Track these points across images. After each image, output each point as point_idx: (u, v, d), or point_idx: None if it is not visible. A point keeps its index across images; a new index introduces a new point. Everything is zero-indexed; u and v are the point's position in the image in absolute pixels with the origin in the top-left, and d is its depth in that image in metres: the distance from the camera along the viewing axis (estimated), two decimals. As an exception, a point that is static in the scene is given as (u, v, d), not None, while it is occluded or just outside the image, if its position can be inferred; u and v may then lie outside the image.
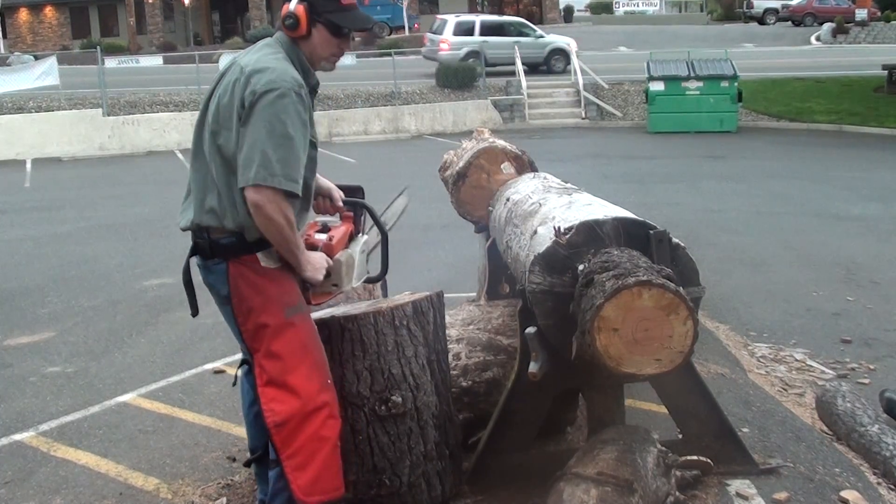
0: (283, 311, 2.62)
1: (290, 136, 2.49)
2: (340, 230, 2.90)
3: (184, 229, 2.72)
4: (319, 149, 2.79)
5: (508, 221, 3.66)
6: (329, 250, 2.80)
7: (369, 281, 3.08)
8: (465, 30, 24.01)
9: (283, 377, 2.60)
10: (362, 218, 3.08)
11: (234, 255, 2.62)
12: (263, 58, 2.61)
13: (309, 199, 2.74)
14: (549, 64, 24.21)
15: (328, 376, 2.68)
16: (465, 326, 3.76)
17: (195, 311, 2.80)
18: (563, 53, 24.16)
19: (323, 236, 2.85)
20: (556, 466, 2.78)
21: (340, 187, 3.06)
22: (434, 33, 24.76)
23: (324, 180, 2.98)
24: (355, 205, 3.04)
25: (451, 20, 24.53)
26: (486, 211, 4.41)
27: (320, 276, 2.69)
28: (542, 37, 24.79)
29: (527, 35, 24.56)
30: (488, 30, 24.14)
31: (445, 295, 3.26)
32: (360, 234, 3.02)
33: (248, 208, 2.52)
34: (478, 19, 25.23)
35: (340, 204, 3.00)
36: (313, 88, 2.71)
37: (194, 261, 2.73)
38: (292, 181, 2.50)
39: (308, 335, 2.68)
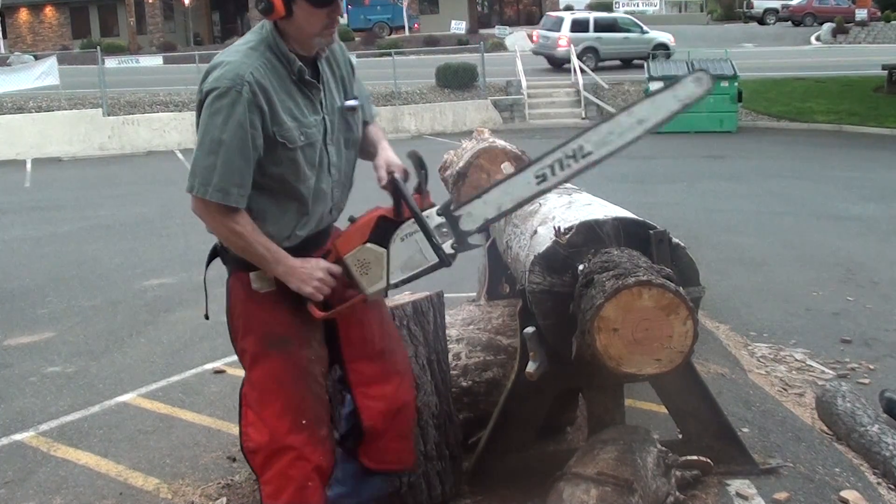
0: (263, 340, 2.49)
1: (220, 141, 2.28)
2: (356, 224, 2.52)
3: None
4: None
5: (508, 221, 3.66)
6: (336, 252, 2.51)
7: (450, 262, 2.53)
8: (581, 27, 25.08)
9: (258, 408, 2.50)
10: (411, 197, 2.54)
11: (234, 266, 2.51)
12: (230, 49, 2.42)
13: (305, 203, 2.48)
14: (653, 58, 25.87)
15: (304, 416, 2.50)
16: (465, 326, 3.76)
17: (207, 315, 2.74)
18: (665, 48, 25.57)
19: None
20: (556, 466, 2.77)
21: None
22: (548, 30, 25.71)
23: (381, 155, 2.62)
24: (392, 183, 2.55)
25: (568, 17, 25.80)
26: (486, 211, 4.41)
27: (308, 289, 2.43)
28: (646, 32, 26.11)
29: (633, 31, 25.87)
30: (601, 26, 25.46)
31: (445, 295, 3.26)
32: (418, 215, 2.49)
33: None
34: (591, 16, 26.56)
35: (384, 184, 2.58)
36: (300, 76, 2.41)
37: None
38: (221, 191, 2.30)
39: (287, 372, 2.49)
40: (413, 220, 2.48)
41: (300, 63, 2.40)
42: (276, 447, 2.47)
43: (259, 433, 2.49)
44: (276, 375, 2.49)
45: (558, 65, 24.11)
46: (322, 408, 2.56)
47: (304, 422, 2.50)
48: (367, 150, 2.69)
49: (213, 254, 2.59)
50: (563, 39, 24.31)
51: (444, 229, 2.53)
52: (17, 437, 4.15)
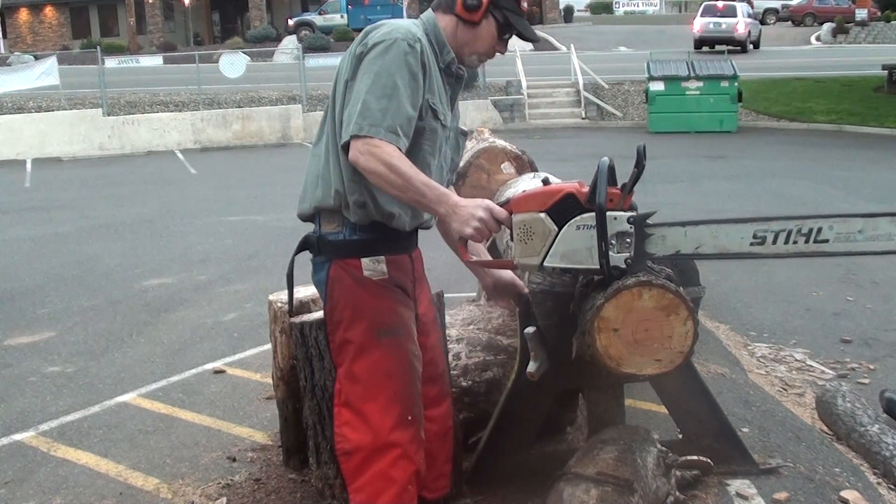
0: (373, 330, 2.36)
1: (395, 85, 2.24)
2: (543, 189, 2.35)
3: (300, 218, 2.51)
4: None
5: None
6: (509, 206, 2.34)
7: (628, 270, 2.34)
8: (746, 13, 30.16)
9: (360, 403, 2.36)
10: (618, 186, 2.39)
11: (339, 254, 2.39)
12: (391, 20, 2.44)
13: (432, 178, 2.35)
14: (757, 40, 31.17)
15: (410, 412, 2.39)
16: (465, 326, 3.76)
17: (291, 309, 2.73)
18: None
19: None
20: (556, 466, 2.77)
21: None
22: (721, 17, 29.02)
23: None
24: (598, 166, 2.38)
25: (740, 6, 29.91)
26: (486, 211, 4.40)
27: (468, 230, 2.26)
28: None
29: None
30: (751, 15, 31.03)
31: (445, 295, 3.26)
32: (602, 212, 2.33)
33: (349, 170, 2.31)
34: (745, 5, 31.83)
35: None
36: (448, 67, 2.42)
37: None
38: (392, 133, 2.22)
39: (396, 363, 2.38)
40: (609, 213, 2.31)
41: (453, 55, 2.43)
42: (378, 445, 2.33)
43: (358, 432, 2.35)
44: (384, 367, 2.37)
45: (709, 46, 28.49)
46: (421, 409, 2.46)
47: (409, 418, 2.38)
48: None
49: (303, 245, 2.48)
50: (742, 24, 28.69)
51: (628, 240, 2.37)
52: (17, 437, 4.15)
